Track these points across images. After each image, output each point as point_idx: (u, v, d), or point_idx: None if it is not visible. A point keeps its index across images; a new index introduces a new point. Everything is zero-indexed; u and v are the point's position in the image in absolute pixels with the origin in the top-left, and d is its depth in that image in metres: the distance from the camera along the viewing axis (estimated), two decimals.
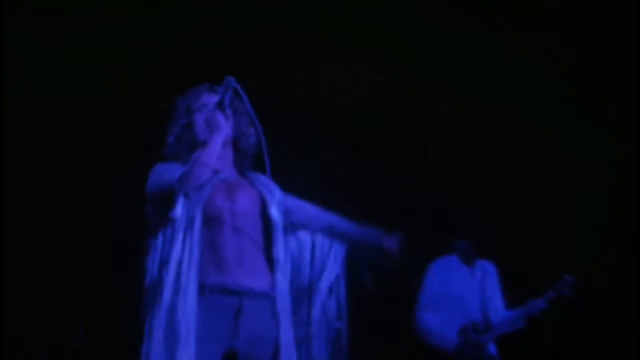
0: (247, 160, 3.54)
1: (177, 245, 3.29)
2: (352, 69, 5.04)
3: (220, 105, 3.39)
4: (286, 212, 3.54)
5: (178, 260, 3.28)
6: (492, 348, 4.70)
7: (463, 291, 4.81)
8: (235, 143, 3.50)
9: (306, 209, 3.56)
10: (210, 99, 3.49)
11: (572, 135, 4.96)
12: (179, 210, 3.30)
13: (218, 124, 3.35)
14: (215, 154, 3.33)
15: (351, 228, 3.52)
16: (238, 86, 3.40)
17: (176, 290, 3.23)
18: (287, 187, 3.56)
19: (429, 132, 5.13)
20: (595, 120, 4.97)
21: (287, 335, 3.36)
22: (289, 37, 4.88)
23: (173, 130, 3.50)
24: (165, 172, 3.37)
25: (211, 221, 3.35)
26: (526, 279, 4.84)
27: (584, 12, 4.89)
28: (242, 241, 3.36)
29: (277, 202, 3.50)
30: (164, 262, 3.28)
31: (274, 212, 3.45)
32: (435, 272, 4.87)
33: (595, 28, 4.91)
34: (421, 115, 5.09)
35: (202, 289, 3.24)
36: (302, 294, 3.53)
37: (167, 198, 3.31)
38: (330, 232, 3.58)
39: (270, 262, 3.39)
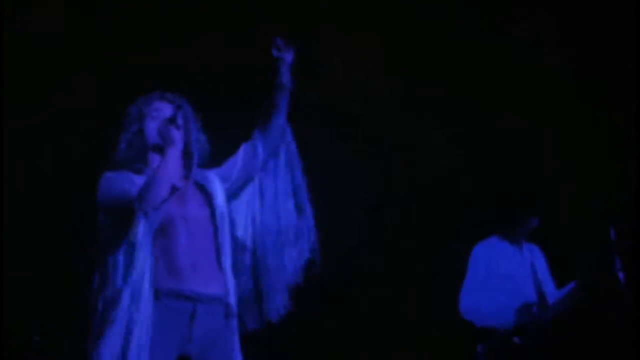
0: (193, 164, 3.57)
1: (135, 253, 3.30)
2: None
3: (172, 121, 3.42)
4: (226, 181, 3.61)
5: (133, 266, 3.29)
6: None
7: (514, 270, 4.74)
8: (185, 149, 3.53)
9: (236, 159, 3.61)
10: (162, 106, 3.54)
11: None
12: (140, 232, 3.31)
13: (172, 138, 3.40)
14: (172, 169, 3.37)
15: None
16: (186, 105, 3.52)
17: (132, 296, 3.26)
18: None
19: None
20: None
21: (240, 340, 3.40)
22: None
23: (124, 137, 3.53)
24: (115, 183, 3.40)
25: (165, 228, 3.37)
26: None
27: (584, 11, 4.90)
28: (196, 247, 3.38)
29: (220, 189, 3.54)
30: (118, 268, 3.29)
31: (219, 202, 3.50)
32: (480, 254, 4.79)
33: (595, 27, 4.93)
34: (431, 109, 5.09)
35: (156, 294, 3.28)
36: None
37: (119, 211, 3.33)
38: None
39: (220, 268, 3.42)
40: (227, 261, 3.44)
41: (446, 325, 5.09)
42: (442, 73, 5.03)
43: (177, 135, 3.39)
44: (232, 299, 3.41)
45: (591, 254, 4.46)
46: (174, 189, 3.38)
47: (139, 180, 3.41)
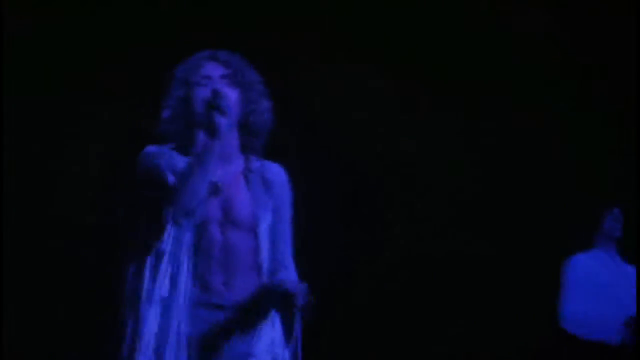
0: (256, 142, 3.03)
1: (162, 265, 2.92)
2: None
3: (216, 101, 2.88)
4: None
5: (161, 280, 2.92)
6: None
7: (613, 279, 4.72)
8: (243, 122, 2.99)
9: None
10: (213, 70, 2.99)
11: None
12: (167, 243, 2.88)
13: (216, 127, 2.86)
14: (213, 164, 2.85)
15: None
16: (241, 66, 2.98)
17: (162, 313, 2.92)
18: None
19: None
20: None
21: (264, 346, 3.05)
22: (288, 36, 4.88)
23: (168, 102, 3.01)
24: (154, 160, 2.93)
25: (199, 229, 2.95)
26: None
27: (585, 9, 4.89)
28: (230, 256, 2.95)
29: (271, 209, 3.02)
30: (144, 281, 2.92)
31: (263, 229, 2.99)
32: (578, 265, 4.75)
33: (596, 26, 4.91)
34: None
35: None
36: None
37: (155, 198, 2.88)
38: None
39: (258, 275, 3.00)
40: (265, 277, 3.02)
41: None
42: (442, 73, 5.01)
43: (222, 122, 2.85)
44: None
45: None
46: (215, 189, 2.93)
47: (182, 164, 2.92)
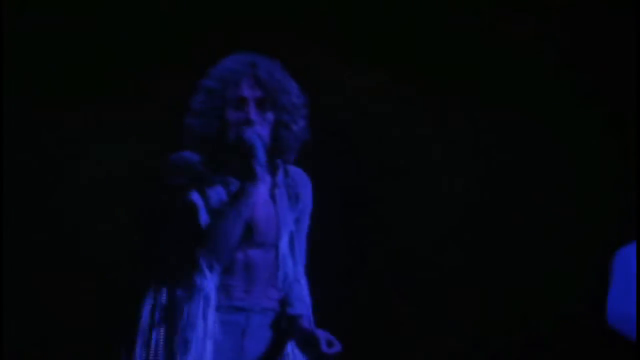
0: (286, 157, 2.99)
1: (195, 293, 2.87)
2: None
3: (256, 157, 2.81)
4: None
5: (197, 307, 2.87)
6: None
7: None
8: (274, 141, 2.94)
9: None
10: (250, 91, 2.89)
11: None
12: (205, 285, 2.84)
13: (255, 175, 2.82)
14: (247, 210, 2.82)
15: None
16: (279, 80, 2.91)
17: (189, 318, 2.87)
18: None
19: None
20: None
21: (294, 352, 3.06)
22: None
23: (201, 108, 2.93)
24: (186, 191, 2.86)
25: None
26: None
27: (584, 10, 4.89)
28: (250, 270, 2.95)
29: (294, 221, 3.01)
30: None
31: (284, 244, 2.97)
32: (625, 258, 4.67)
33: (596, 25, 4.92)
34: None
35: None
36: None
37: (186, 233, 2.84)
38: None
39: (275, 285, 3.01)
40: (285, 278, 3.03)
41: None
42: (441, 73, 5.00)
43: (259, 169, 2.82)
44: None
45: None
46: (248, 232, 2.90)
47: (215, 194, 2.88)
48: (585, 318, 4.85)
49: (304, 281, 3.04)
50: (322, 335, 2.89)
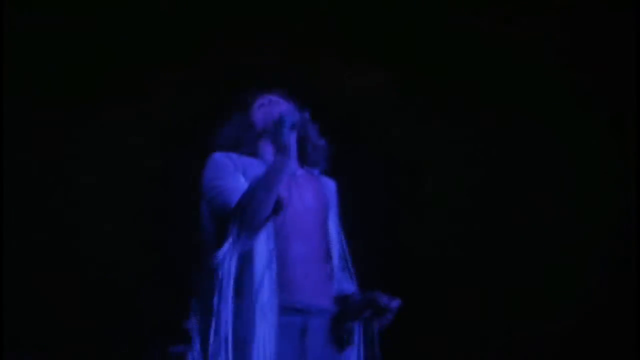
0: (316, 156, 3.20)
1: (246, 264, 2.84)
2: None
3: (287, 122, 2.93)
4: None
5: (245, 280, 2.84)
6: None
7: None
8: (302, 152, 3.15)
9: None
10: (275, 98, 3.16)
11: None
12: (223, 253, 2.83)
13: (288, 145, 2.89)
14: (281, 181, 2.86)
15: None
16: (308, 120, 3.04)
17: (249, 310, 2.82)
18: None
19: None
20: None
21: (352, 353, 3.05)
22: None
23: (232, 132, 3.11)
24: (224, 173, 2.93)
25: (278, 227, 2.93)
26: None
27: (584, 10, 4.89)
28: (308, 251, 2.97)
29: (335, 218, 3.15)
30: (228, 281, 2.83)
31: (332, 238, 3.08)
32: None
33: (596, 26, 4.92)
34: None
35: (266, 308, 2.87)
36: None
37: (219, 220, 2.86)
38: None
39: (331, 276, 3.05)
40: (337, 268, 3.10)
41: None
42: (441, 72, 5.00)
43: (293, 141, 3.00)
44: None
45: None
46: (280, 206, 2.90)
47: (256, 167, 2.98)
48: (585, 318, 4.86)
49: (354, 278, 3.12)
50: (377, 294, 2.97)
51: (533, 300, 4.94)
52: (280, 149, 2.90)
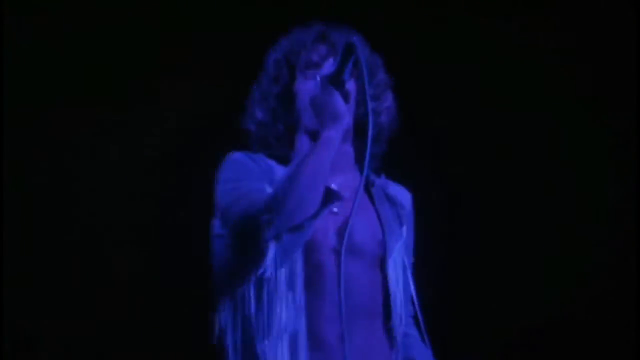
0: (376, 152, 2.33)
1: (265, 295, 2.11)
2: None
3: (336, 80, 2.12)
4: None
5: (267, 314, 2.10)
6: None
7: None
8: (359, 128, 2.29)
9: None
10: (322, 53, 2.30)
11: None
12: (269, 265, 2.06)
13: (335, 111, 2.09)
14: (329, 162, 2.09)
15: None
16: (363, 48, 2.23)
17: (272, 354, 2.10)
18: None
19: None
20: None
21: None
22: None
23: (265, 102, 2.31)
24: (247, 175, 2.19)
25: (310, 269, 2.16)
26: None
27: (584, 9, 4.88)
28: (348, 297, 2.14)
29: (404, 239, 2.31)
30: (249, 311, 2.13)
31: (393, 262, 2.23)
32: None
33: (595, 25, 4.91)
34: None
35: None
36: None
37: (247, 225, 2.08)
38: None
39: (390, 338, 2.26)
40: (399, 330, 2.26)
41: None
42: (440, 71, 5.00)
43: (341, 106, 2.10)
44: None
45: None
46: (332, 196, 2.12)
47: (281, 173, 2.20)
48: (585, 318, 4.86)
49: (422, 323, 2.30)
50: None
51: (533, 299, 4.94)
52: (325, 119, 2.11)
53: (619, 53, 4.89)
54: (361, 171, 2.20)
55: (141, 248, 4.65)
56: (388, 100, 2.40)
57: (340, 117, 2.13)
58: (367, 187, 2.36)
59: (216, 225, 2.27)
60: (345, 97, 2.17)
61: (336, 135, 2.14)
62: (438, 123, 4.94)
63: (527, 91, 4.96)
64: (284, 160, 2.35)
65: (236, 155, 2.30)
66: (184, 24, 4.72)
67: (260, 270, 2.11)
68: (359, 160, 2.30)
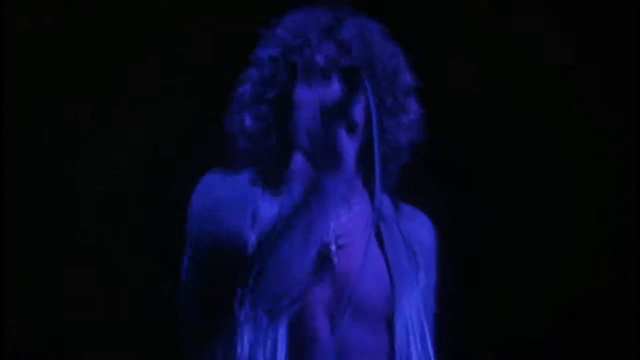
0: (389, 168, 1.85)
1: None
2: None
3: (340, 111, 1.70)
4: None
5: None
6: None
7: None
8: (369, 138, 1.80)
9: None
10: (335, 59, 1.83)
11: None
12: (244, 344, 1.67)
13: (337, 155, 1.67)
14: (326, 219, 1.65)
15: None
16: (369, 41, 1.85)
17: None
18: None
19: None
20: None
21: None
22: None
23: (255, 107, 1.83)
24: (225, 209, 1.74)
25: (299, 339, 1.74)
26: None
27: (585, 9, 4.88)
28: (352, 343, 1.76)
29: (417, 284, 1.85)
30: None
31: (403, 319, 1.81)
32: None
33: (596, 27, 4.91)
34: None
35: None
36: None
37: (224, 263, 1.72)
38: None
39: None
40: None
41: None
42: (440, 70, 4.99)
43: (344, 149, 1.68)
44: None
45: None
46: (326, 258, 1.72)
47: (269, 207, 1.76)
48: (585, 318, 4.86)
49: None
50: None
51: (532, 299, 4.94)
52: (329, 160, 1.65)
53: (618, 53, 4.89)
54: (371, 199, 1.73)
55: (141, 248, 4.64)
56: (412, 111, 1.95)
57: (342, 163, 1.70)
58: (377, 223, 1.85)
59: (186, 267, 1.81)
60: (351, 127, 1.75)
61: (336, 186, 1.69)
62: (438, 123, 4.91)
63: (527, 91, 4.95)
64: (273, 181, 1.83)
65: (214, 179, 1.85)
66: (176, 20, 4.71)
67: (232, 352, 1.72)
68: (367, 183, 1.81)
